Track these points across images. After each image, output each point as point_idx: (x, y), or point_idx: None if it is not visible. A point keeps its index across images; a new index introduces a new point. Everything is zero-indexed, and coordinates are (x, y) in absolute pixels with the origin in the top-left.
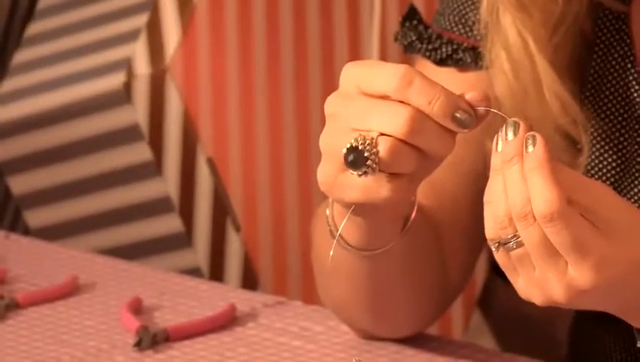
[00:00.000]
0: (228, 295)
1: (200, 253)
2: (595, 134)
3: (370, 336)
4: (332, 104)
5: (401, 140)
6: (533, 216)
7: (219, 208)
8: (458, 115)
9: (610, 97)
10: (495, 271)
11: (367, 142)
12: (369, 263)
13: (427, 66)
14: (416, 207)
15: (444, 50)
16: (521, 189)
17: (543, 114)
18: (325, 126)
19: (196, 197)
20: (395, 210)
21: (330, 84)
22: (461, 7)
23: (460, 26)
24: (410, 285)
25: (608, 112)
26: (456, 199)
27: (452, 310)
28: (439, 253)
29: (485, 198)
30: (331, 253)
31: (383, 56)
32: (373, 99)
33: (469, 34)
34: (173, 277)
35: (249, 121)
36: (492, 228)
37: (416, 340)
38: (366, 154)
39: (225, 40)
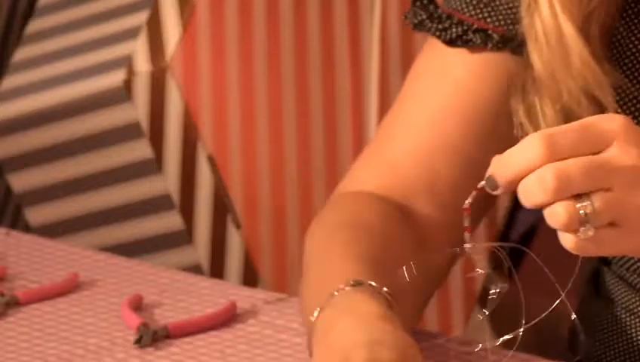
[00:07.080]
0: (228, 292)
1: (200, 250)
2: (623, 95)
3: None
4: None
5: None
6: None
7: (219, 205)
8: None
9: (635, 61)
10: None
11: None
12: None
13: (437, 45)
14: None
15: (454, 30)
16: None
17: (575, 81)
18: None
19: (196, 194)
20: None
21: (330, 82)
22: None
23: (471, 7)
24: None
25: (636, 74)
26: (456, 189)
27: (453, 306)
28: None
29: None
30: None
31: (383, 56)
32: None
33: (480, 15)
34: (173, 274)
35: (249, 118)
36: (564, 223)
37: (416, 337)
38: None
39: (225, 37)
